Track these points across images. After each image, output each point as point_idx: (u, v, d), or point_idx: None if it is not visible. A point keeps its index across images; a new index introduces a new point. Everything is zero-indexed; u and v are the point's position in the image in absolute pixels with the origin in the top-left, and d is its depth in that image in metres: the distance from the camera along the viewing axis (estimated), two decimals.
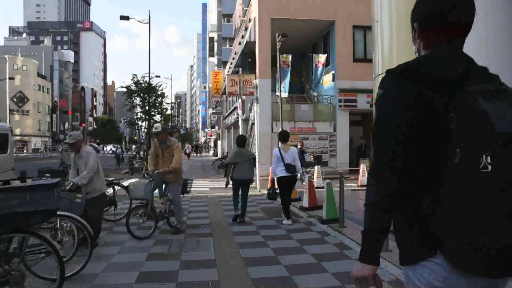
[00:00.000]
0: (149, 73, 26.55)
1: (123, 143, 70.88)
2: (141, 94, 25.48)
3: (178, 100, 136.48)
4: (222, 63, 44.95)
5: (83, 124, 76.72)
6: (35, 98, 70.52)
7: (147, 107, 25.88)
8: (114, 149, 47.24)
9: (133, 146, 54.46)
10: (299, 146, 18.61)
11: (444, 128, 1.14)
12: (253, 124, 21.35)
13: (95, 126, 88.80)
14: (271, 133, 19.01)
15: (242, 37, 24.85)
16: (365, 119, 21.46)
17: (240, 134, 13.69)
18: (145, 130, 26.93)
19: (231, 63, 30.00)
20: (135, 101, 26.69)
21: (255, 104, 19.74)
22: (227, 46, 48.71)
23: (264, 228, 7.19)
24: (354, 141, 20.80)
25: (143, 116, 25.23)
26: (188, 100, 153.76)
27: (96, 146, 68.89)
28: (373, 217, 1.27)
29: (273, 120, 19.64)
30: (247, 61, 25.06)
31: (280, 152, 7.52)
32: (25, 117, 68.75)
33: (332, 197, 7.47)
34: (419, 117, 1.18)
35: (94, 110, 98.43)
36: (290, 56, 19.34)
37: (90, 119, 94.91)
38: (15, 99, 66.50)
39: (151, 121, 27.14)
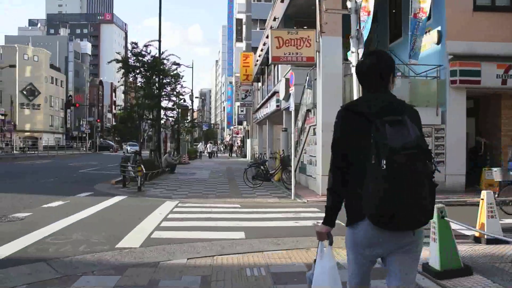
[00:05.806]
0: (159, 40, 19.28)
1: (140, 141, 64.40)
2: (145, 73, 18.14)
3: (203, 97, 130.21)
4: (252, 49, 37.79)
5: (98, 120, 70.55)
6: (47, 91, 64.95)
7: (155, 91, 18.66)
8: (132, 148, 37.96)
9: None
10: None
11: (368, 142, 1.97)
12: (308, 111, 13.83)
13: (114, 123, 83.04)
14: None
15: None
16: (484, 103, 13.70)
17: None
18: (151, 122, 19.66)
19: (266, 36, 22.50)
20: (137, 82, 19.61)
21: (320, 72, 11.89)
22: (258, 29, 41.60)
23: None
24: (468, 140, 13.07)
25: (146, 102, 17.79)
26: (213, 97, 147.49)
27: (112, 143, 63.04)
28: (328, 197, 2.18)
29: (345, 102, 12.14)
30: (292, 28, 17.54)
31: None
32: (36, 112, 63.03)
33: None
34: (355, 135, 2.07)
35: (114, 106, 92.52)
36: None
37: (109, 115, 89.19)
38: (25, 92, 61.11)
39: (161, 111, 19.99)
